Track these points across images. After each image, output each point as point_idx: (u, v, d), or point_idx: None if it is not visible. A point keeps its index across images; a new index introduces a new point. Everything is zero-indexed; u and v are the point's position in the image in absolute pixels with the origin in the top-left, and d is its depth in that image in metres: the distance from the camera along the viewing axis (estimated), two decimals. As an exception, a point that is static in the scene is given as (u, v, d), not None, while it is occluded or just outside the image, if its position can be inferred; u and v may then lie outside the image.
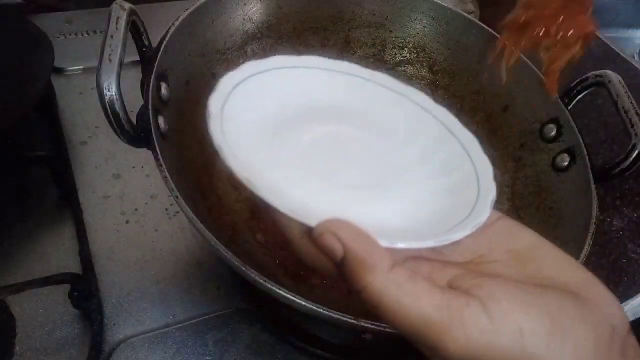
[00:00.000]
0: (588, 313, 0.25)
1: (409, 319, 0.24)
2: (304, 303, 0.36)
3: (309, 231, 0.27)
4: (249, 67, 0.36)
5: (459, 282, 0.26)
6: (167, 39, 0.47)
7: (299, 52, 0.67)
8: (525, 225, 0.32)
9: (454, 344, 0.23)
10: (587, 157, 0.53)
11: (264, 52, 0.64)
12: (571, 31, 0.39)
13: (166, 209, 0.58)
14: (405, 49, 0.69)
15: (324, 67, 0.39)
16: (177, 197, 0.39)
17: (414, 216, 0.33)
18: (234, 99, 0.34)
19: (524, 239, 0.30)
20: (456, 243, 0.29)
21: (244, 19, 0.60)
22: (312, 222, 0.27)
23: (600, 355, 0.24)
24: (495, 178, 0.35)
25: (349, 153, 0.36)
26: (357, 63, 0.65)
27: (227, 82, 0.34)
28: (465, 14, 0.65)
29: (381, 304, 0.24)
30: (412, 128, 0.38)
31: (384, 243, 0.27)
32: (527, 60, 0.60)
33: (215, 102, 0.33)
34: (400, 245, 0.27)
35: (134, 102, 0.44)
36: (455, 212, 0.33)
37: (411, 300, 0.24)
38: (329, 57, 0.39)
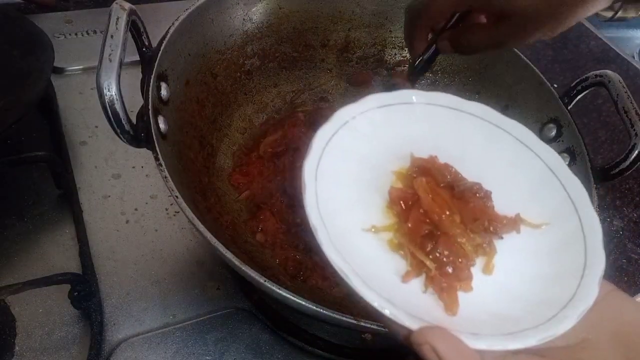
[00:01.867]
0: None
1: None
2: (304, 303, 0.36)
3: (409, 333, 0.28)
4: (340, 116, 0.35)
5: None
6: (167, 39, 0.47)
7: (299, 52, 0.68)
8: (637, 302, 0.29)
9: None
10: (587, 157, 0.53)
11: (264, 52, 0.64)
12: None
13: (166, 209, 0.58)
14: (405, 49, 0.69)
15: (407, 101, 0.38)
16: (177, 197, 0.39)
17: (514, 293, 0.32)
18: (327, 156, 0.33)
19: (636, 320, 0.28)
20: None
21: (244, 19, 0.60)
22: (412, 324, 0.27)
23: None
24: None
25: None
26: (357, 63, 0.64)
27: (320, 139, 0.34)
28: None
29: None
30: (515, 170, 0.37)
31: (481, 345, 0.27)
32: (527, 61, 0.60)
33: (309, 168, 0.32)
34: (498, 347, 0.27)
35: (134, 102, 0.44)
36: (560, 287, 0.31)
37: None
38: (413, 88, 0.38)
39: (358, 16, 0.67)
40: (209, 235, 0.38)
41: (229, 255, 0.38)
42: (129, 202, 0.58)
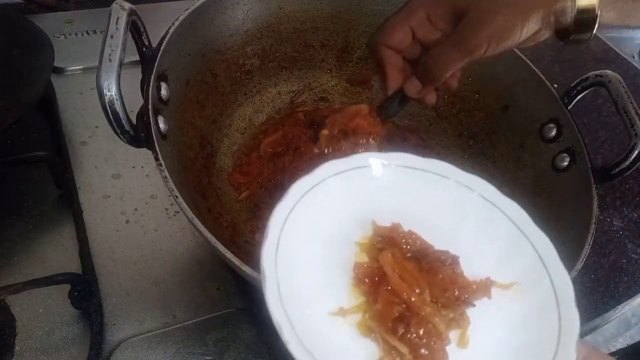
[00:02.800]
0: None
1: None
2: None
3: None
4: (295, 190, 0.33)
5: None
6: (167, 39, 0.47)
7: (299, 52, 0.68)
8: None
9: None
10: (587, 157, 0.53)
11: (264, 52, 0.64)
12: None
13: (166, 209, 0.58)
14: (405, 49, 0.69)
15: (363, 165, 0.36)
16: (177, 197, 0.39)
17: None
18: (285, 237, 0.32)
19: None
20: None
21: (244, 19, 0.60)
22: None
23: None
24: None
25: None
26: (357, 63, 0.64)
27: (276, 218, 0.32)
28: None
29: None
30: (483, 232, 0.35)
31: None
32: (527, 61, 0.60)
33: (268, 255, 0.30)
34: None
35: (134, 102, 0.44)
36: (537, 356, 0.30)
37: None
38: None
39: (358, 16, 0.67)
40: (209, 235, 0.38)
41: (229, 255, 0.38)
42: (129, 202, 0.57)
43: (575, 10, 0.41)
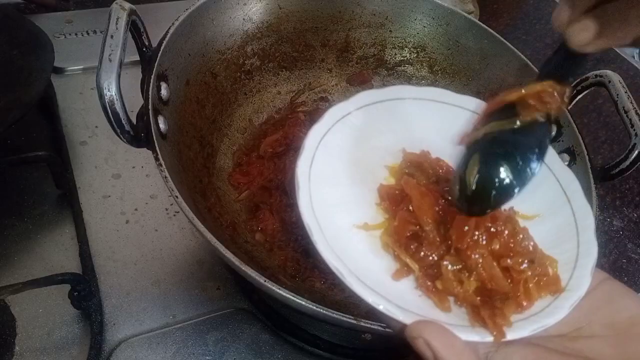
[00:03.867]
0: None
1: None
2: (304, 303, 0.36)
3: (403, 327, 0.28)
4: (331, 114, 0.35)
5: None
6: (167, 39, 0.47)
7: (299, 52, 0.68)
8: (630, 290, 0.29)
9: None
10: (587, 157, 0.53)
11: (264, 52, 0.64)
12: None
13: (166, 209, 0.58)
14: (405, 49, 0.69)
15: (399, 97, 0.38)
16: (177, 197, 0.39)
17: None
18: (320, 155, 0.33)
19: (628, 308, 0.28)
20: None
21: (244, 19, 0.60)
22: (406, 319, 0.28)
23: None
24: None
25: None
26: (357, 63, 0.64)
27: (312, 138, 0.33)
28: (465, 14, 0.65)
29: None
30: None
31: (474, 337, 0.27)
32: (527, 61, 0.60)
33: (302, 168, 0.32)
34: (491, 339, 0.27)
35: (134, 102, 0.44)
36: None
37: None
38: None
39: (358, 16, 0.67)
40: (209, 235, 0.38)
41: (229, 255, 0.37)
42: (129, 202, 0.58)
43: None
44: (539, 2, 1.04)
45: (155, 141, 0.42)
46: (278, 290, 0.36)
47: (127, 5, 0.42)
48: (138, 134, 0.42)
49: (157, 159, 0.41)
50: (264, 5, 0.62)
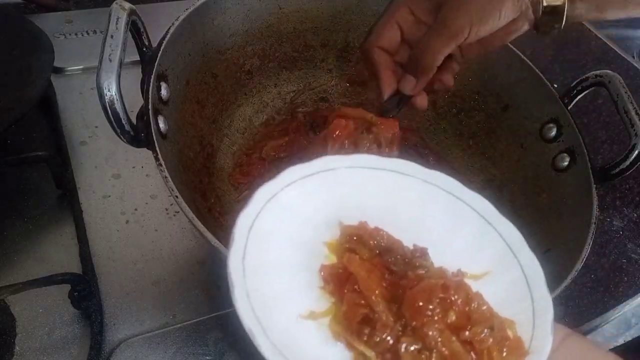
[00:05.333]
0: None
1: None
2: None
3: None
4: (261, 195, 0.33)
5: None
6: (167, 39, 0.47)
7: (299, 52, 0.68)
8: (593, 345, 0.29)
9: None
10: (587, 157, 0.53)
11: (264, 52, 0.64)
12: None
13: (166, 209, 0.58)
14: (405, 49, 0.69)
15: (329, 168, 0.36)
16: (177, 197, 0.39)
17: None
18: (252, 244, 0.31)
19: None
20: None
21: (244, 19, 0.60)
22: None
23: None
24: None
25: None
26: (357, 63, 0.64)
27: (242, 226, 0.31)
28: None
29: None
30: (450, 225, 0.35)
31: None
32: (528, 61, 0.60)
33: (235, 263, 0.30)
34: None
35: (134, 102, 0.44)
36: None
37: None
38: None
39: (358, 16, 0.67)
40: (209, 235, 0.38)
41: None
42: (129, 202, 0.57)
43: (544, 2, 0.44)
44: (539, 2, 1.03)
45: (155, 141, 0.42)
46: (278, 290, 0.36)
47: (127, 5, 0.42)
48: (138, 134, 0.42)
49: (157, 159, 0.41)
50: (264, 5, 0.62)
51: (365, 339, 0.30)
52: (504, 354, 0.30)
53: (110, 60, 0.38)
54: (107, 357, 0.46)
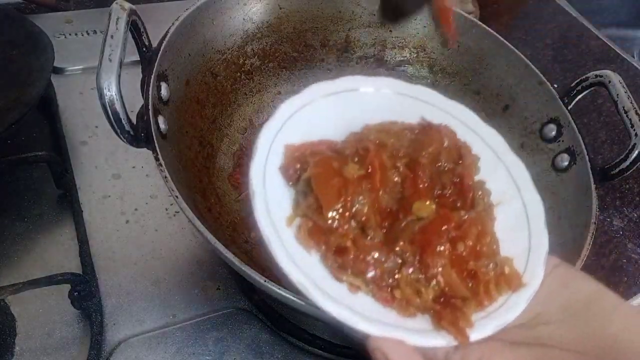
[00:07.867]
0: None
1: None
2: (304, 303, 0.36)
3: (365, 336, 0.28)
4: (283, 110, 0.33)
5: None
6: (167, 39, 0.47)
7: (299, 52, 0.68)
8: (581, 273, 0.30)
9: None
10: (587, 157, 0.53)
11: (264, 52, 0.64)
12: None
13: (166, 209, 0.58)
14: (406, 49, 0.69)
15: (351, 89, 0.37)
16: (177, 197, 0.39)
17: None
18: (274, 155, 0.32)
19: (583, 290, 0.28)
20: None
21: (244, 19, 0.60)
22: (369, 329, 0.27)
23: None
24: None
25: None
26: (357, 63, 0.64)
27: (265, 138, 0.32)
28: (465, 14, 0.65)
29: None
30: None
31: (440, 342, 0.27)
32: (527, 61, 0.60)
33: (256, 172, 0.31)
34: (455, 343, 0.27)
35: (134, 102, 0.44)
36: None
37: None
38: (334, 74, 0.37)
39: (358, 16, 0.67)
40: (209, 235, 0.38)
41: (229, 255, 0.37)
42: (129, 202, 0.57)
43: None
44: (539, 2, 1.04)
45: (155, 141, 0.42)
46: (278, 290, 0.36)
47: (127, 5, 0.42)
48: (138, 134, 0.42)
49: (157, 159, 0.41)
50: (264, 5, 0.62)
51: (358, 270, 0.30)
52: (500, 284, 0.30)
53: (110, 60, 0.38)
54: (107, 357, 0.46)
